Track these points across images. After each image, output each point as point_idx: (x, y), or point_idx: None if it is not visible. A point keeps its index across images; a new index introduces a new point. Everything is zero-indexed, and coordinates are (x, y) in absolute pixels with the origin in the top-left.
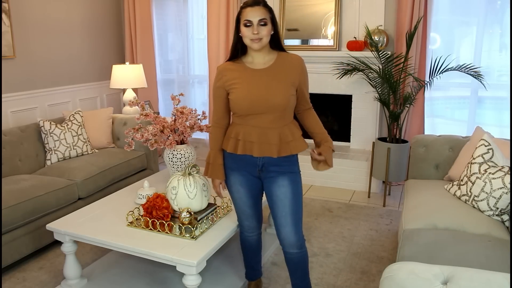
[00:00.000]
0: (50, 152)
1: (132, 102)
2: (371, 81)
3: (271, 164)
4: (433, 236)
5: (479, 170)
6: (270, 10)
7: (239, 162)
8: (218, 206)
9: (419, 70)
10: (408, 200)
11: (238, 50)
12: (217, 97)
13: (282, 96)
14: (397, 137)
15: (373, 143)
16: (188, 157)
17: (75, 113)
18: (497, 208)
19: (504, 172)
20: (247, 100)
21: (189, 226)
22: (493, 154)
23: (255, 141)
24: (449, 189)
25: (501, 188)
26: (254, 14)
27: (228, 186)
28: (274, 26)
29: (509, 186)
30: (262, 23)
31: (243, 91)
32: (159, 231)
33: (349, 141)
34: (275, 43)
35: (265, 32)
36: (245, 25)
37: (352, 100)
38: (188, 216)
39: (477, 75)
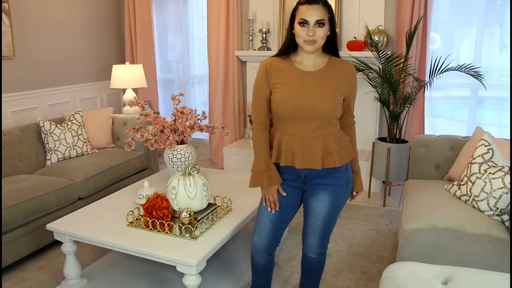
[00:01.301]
0: (50, 152)
1: (132, 102)
2: (371, 81)
3: (315, 176)
4: (433, 236)
5: (479, 170)
6: (329, 9)
7: (282, 172)
8: (218, 206)
9: (419, 70)
10: (408, 200)
11: (290, 47)
12: (260, 95)
13: (329, 103)
14: (397, 137)
15: (373, 143)
16: (188, 157)
17: (75, 113)
18: (497, 208)
19: (504, 172)
20: (291, 103)
21: (189, 226)
22: (493, 154)
23: (297, 151)
24: (449, 189)
25: (501, 188)
26: (312, 14)
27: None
28: (332, 28)
29: (509, 186)
30: (320, 24)
31: (287, 93)
32: (159, 231)
33: None
34: (330, 46)
35: (321, 34)
36: (300, 24)
37: None
38: (188, 216)
39: (477, 75)
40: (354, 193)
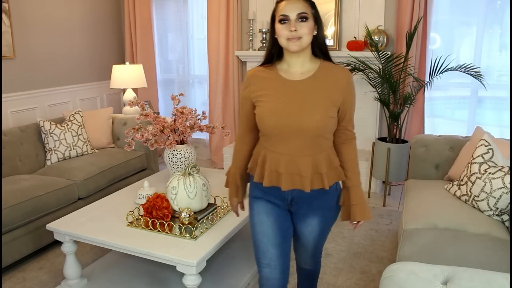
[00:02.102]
0: (50, 152)
1: (132, 102)
2: (371, 81)
3: (302, 199)
4: (433, 236)
5: (479, 170)
6: (312, 4)
7: (266, 192)
8: (218, 206)
9: (419, 70)
10: (408, 200)
11: (274, 55)
12: (243, 108)
13: (317, 117)
14: (397, 137)
15: (373, 143)
16: (188, 157)
17: (75, 113)
18: (497, 208)
19: (504, 172)
20: (273, 118)
21: (189, 226)
22: (493, 154)
23: (283, 171)
24: (449, 189)
25: (501, 188)
26: (292, 8)
27: (251, 216)
28: (318, 26)
29: (509, 186)
30: (302, 18)
31: (269, 106)
32: (159, 231)
33: None
34: (320, 49)
35: (306, 30)
36: (281, 22)
37: None
38: (188, 216)
39: (477, 75)
40: (355, 222)
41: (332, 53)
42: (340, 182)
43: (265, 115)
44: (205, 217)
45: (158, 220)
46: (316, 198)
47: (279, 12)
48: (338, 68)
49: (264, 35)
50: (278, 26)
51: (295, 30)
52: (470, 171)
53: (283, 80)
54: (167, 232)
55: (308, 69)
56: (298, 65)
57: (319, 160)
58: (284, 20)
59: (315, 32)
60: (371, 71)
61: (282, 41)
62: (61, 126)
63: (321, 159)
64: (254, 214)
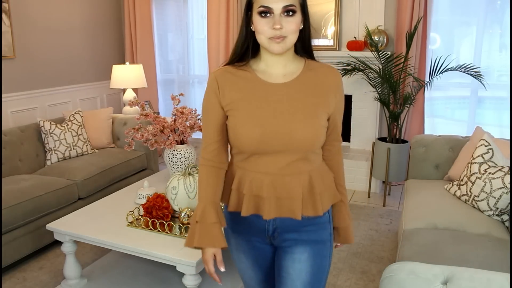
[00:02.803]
0: (50, 152)
1: (132, 102)
2: (371, 81)
3: (287, 230)
4: (433, 236)
5: (479, 170)
6: None
7: (242, 224)
8: None
9: (419, 70)
10: (408, 200)
11: (248, 51)
12: (210, 121)
13: (309, 127)
14: (397, 137)
15: (373, 143)
16: (188, 157)
17: (75, 113)
18: (497, 208)
19: (504, 172)
20: (255, 131)
21: (189, 226)
22: (493, 154)
23: (267, 195)
24: (449, 189)
25: (501, 188)
26: None
27: (229, 248)
28: (305, 18)
29: (509, 186)
30: (289, 12)
31: (249, 116)
32: (159, 231)
33: (349, 141)
34: (303, 45)
35: (293, 27)
36: (261, 14)
37: (352, 100)
38: (188, 216)
39: (477, 75)
40: (338, 244)
41: (332, 53)
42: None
43: (243, 127)
44: None
45: (158, 220)
46: (305, 229)
47: (259, 1)
48: (326, 68)
49: None
50: (257, 19)
51: (280, 28)
52: (470, 171)
53: (263, 83)
54: (167, 232)
55: (292, 70)
56: (280, 65)
57: (311, 178)
58: (266, 12)
59: (301, 26)
60: (371, 71)
61: (262, 40)
62: (61, 126)
63: (314, 176)
64: (232, 249)
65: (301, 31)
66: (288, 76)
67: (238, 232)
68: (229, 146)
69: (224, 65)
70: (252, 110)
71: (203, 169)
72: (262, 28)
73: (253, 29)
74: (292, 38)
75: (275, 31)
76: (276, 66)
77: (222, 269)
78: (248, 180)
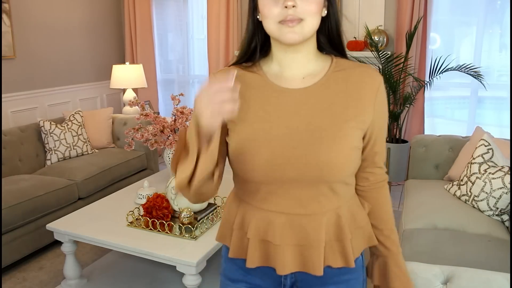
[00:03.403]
0: (50, 152)
1: (132, 102)
2: None
3: (311, 284)
4: (433, 236)
5: (479, 170)
6: None
7: (249, 273)
8: (218, 206)
9: (419, 70)
10: (408, 200)
11: (256, 49)
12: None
13: (338, 149)
14: (397, 137)
15: None
16: None
17: (75, 113)
18: (497, 208)
19: (504, 172)
20: (265, 154)
21: (189, 226)
22: (493, 154)
23: (280, 241)
24: (449, 189)
25: (501, 188)
26: None
27: None
28: (330, 2)
29: (509, 186)
30: None
31: (256, 134)
32: (159, 231)
33: None
34: (330, 40)
35: (311, 7)
36: None
37: None
38: (188, 216)
39: (477, 75)
40: None
41: None
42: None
43: (247, 148)
44: (205, 217)
45: (158, 220)
46: (334, 279)
47: None
48: (363, 68)
49: None
50: (263, 1)
51: (293, 6)
52: (470, 171)
53: (276, 88)
54: (167, 232)
55: (313, 72)
56: (297, 66)
57: (339, 217)
58: None
59: (324, 12)
60: None
61: (271, 27)
62: (61, 126)
63: (342, 216)
64: None
65: (324, 20)
66: (308, 80)
67: (244, 282)
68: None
69: (229, 65)
70: (259, 125)
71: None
72: (269, 10)
73: (260, 19)
74: (311, 22)
75: (287, 10)
76: (293, 66)
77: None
78: (253, 219)
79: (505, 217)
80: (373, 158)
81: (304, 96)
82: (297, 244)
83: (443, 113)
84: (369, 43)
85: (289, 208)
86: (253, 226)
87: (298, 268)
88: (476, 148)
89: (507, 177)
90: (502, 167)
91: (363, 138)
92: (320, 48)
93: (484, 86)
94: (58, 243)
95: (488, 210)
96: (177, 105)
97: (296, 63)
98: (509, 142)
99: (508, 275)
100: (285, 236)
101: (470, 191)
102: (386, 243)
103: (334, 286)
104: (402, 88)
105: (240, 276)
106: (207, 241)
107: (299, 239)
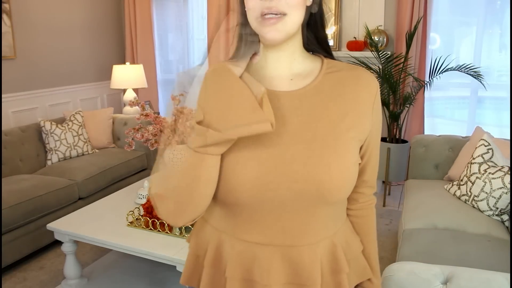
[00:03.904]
0: (51, 152)
1: (133, 102)
2: None
3: None
4: (433, 236)
5: (479, 170)
6: None
7: None
8: None
9: (419, 70)
10: (408, 200)
11: (240, 49)
12: None
13: (337, 164)
14: (397, 137)
15: None
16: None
17: (75, 113)
18: (497, 208)
19: (504, 172)
20: (250, 171)
21: (189, 226)
22: (492, 154)
23: (268, 281)
24: (449, 189)
25: (500, 188)
26: None
27: None
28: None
29: (508, 186)
30: None
31: (240, 148)
32: (159, 231)
33: None
34: (316, 37)
35: (294, 1)
36: None
37: None
38: None
39: (476, 75)
40: None
41: None
42: None
43: (233, 163)
44: None
45: (158, 220)
46: None
47: None
48: (359, 71)
49: None
50: None
51: None
52: (470, 171)
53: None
54: (167, 232)
55: (301, 72)
56: (283, 65)
57: (334, 248)
58: None
59: (309, 1)
60: (371, 71)
61: (253, 22)
62: (62, 126)
63: (338, 245)
64: None
65: (310, 17)
66: (298, 81)
67: None
68: None
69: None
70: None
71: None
72: (252, 3)
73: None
74: (295, 17)
75: (269, 2)
76: (277, 65)
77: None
78: (233, 253)
79: (505, 217)
80: (365, 175)
81: (296, 101)
82: (289, 283)
83: (443, 113)
84: (369, 43)
85: (278, 239)
86: (232, 262)
87: None
88: (476, 148)
89: (507, 177)
90: (502, 167)
91: (360, 149)
92: (307, 46)
93: (484, 86)
94: (58, 243)
95: (488, 210)
96: (177, 105)
97: (281, 62)
98: (509, 142)
99: (508, 275)
100: (274, 274)
101: (470, 191)
102: (375, 271)
103: None
104: (402, 88)
105: None
106: None
107: (292, 277)
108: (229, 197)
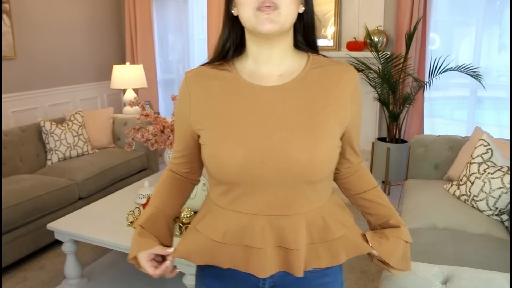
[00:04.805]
0: (51, 152)
1: (133, 102)
2: (371, 81)
3: (290, 287)
4: (432, 235)
5: (478, 170)
6: None
7: (221, 279)
8: None
9: (418, 70)
10: (408, 200)
11: (230, 47)
12: (178, 129)
13: (317, 148)
14: (397, 137)
15: (373, 143)
16: None
17: (75, 113)
18: (496, 208)
19: (503, 172)
20: (236, 154)
21: (189, 225)
22: (492, 154)
23: (258, 244)
24: (449, 189)
25: (500, 188)
26: None
27: None
28: (306, 2)
29: (508, 186)
30: None
31: (229, 133)
32: None
33: None
34: (305, 36)
35: None
36: None
37: None
38: (188, 216)
39: (476, 76)
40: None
41: (331, 53)
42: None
43: (220, 148)
44: None
45: None
46: (313, 282)
47: None
48: (340, 65)
49: None
50: None
51: None
52: (469, 171)
53: (250, 86)
54: None
55: (289, 69)
56: (274, 62)
57: (323, 219)
58: None
59: (302, 9)
60: (371, 71)
61: (246, 14)
62: (62, 126)
63: (326, 216)
64: None
65: (300, 17)
66: (285, 77)
67: None
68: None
69: (201, 65)
70: (232, 124)
71: (164, 173)
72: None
73: (235, 13)
74: (288, 12)
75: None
76: (269, 62)
77: (170, 259)
78: (229, 223)
79: (505, 217)
80: (351, 147)
81: (280, 94)
82: (277, 246)
83: (442, 113)
84: (368, 43)
85: (267, 210)
86: (229, 231)
87: (279, 269)
88: (476, 148)
89: (506, 177)
90: (501, 167)
91: (343, 135)
92: (296, 46)
93: (484, 86)
94: (58, 243)
95: (487, 210)
96: None
97: (272, 59)
98: (509, 142)
99: (508, 275)
100: (265, 238)
101: (469, 191)
102: (392, 214)
103: (313, 286)
104: (402, 88)
105: (216, 285)
106: None
107: (279, 241)
108: (223, 179)
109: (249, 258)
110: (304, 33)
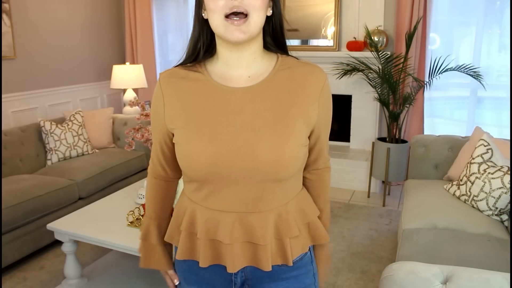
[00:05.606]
0: (51, 152)
1: (133, 102)
2: (371, 81)
3: (261, 280)
4: (432, 235)
5: (479, 170)
6: None
7: (199, 274)
8: None
9: (418, 70)
10: (408, 200)
11: (200, 49)
12: (156, 130)
13: (281, 147)
14: (397, 137)
15: (373, 143)
16: None
17: (75, 113)
18: (496, 208)
19: (503, 172)
20: (205, 153)
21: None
22: (492, 154)
23: (228, 240)
24: (449, 189)
25: (500, 188)
26: None
27: None
28: (274, 3)
29: (508, 186)
30: None
31: (199, 133)
32: None
33: (348, 141)
34: (274, 38)
35: (257, 3)
36: None
37: (352, 100)
38: None
39: (476, 76)
40: None
41: (331, 53)
42: None
43: (190, 146)
44: None
45: None
46: (282, 277)
47: None
48: (307, 66)
49: None
50: None
51: None
52: (469, 171)
53: (220, 87)
54: None
55: (259, 71)
56: (243, 65)
57: (286, 214)
58: None
59: (270, 12)
60: (371, 71)
61: (217, 22)
62: (62, 126)
63: (289, 213)
64: None
65: (269, 20)
66: (254, 79)
67: (198, 283)
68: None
69: (174, 67)
70: (202, 124)
71: (149, 178)
72: (214, 4)
73: (205, 17)
74: (257, 18)
75: (232, 2)
76: (238, 65)
77: (176, 282)
78: (201, 219)
79: (504, 217)
80: (316, 155)
81: (248, 95)
82: (245, 241)
83: (442, 113)
84: (368, 43)
85: (236, 207)
86: (200, 226)
87: (247, 263)
88: (476, 148)
89: (506, 177)
90: (502, 167)
91: (310, 136)
92: (266, 47)
93: (484, 86)
94: (58, 243)
95: (487, 210)
96: None
97: (242, 62)
98: (509, 142)
99: (508, 275)
100: (234, 235)
101: (469, 191)
102: (326, 225)
103: (284, 282)
104: (402, 88)
105: (193, 278)
106: None
107: (248, 237)
108: (194, 176)
109: (220, 252)
110: (273, 35)
